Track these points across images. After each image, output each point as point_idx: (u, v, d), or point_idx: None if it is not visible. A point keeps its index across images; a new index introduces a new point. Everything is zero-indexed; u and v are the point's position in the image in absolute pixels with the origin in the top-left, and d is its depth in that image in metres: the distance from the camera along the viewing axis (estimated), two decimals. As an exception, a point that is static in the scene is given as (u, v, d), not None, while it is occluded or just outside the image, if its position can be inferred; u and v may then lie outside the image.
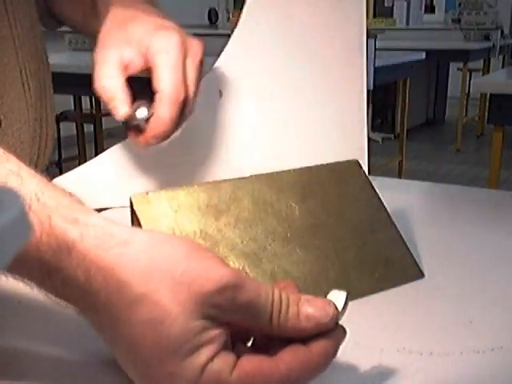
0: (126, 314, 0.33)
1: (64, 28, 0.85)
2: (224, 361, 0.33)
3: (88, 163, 0.67)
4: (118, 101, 0.53)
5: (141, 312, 0.32)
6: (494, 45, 4.90)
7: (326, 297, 0.37)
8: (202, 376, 0.32)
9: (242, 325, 0.35)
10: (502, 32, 5.01)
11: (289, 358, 0.34)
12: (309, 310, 0.35)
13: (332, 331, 0.36)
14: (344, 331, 0.36)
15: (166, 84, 0.53)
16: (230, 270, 0.34)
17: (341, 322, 0.36)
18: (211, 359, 0.33)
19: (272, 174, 0.56)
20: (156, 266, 0.33)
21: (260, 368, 0.33)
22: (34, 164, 0.72)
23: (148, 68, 0.55)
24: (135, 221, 0.49)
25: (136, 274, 0.33)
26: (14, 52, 0.67)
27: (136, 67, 0.55)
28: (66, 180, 0.63)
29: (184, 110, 0.56)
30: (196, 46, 0.57)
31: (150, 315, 0.32)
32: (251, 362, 0.34)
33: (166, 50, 0.53)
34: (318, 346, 0.35)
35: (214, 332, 0.33)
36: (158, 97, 0.53)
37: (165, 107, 0.53)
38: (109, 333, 0.34)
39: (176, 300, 0.32)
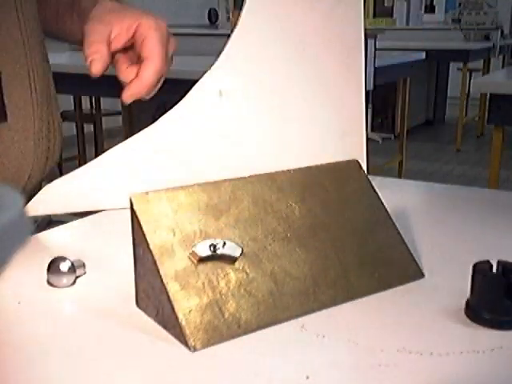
0: None
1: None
2: None
3: (88, 165, 0.68)
4: (97, 58, 0.61)
5: None
6: (494, 45, 4.90)
7: None
8: None
9: None
10: (502, 32, 5.01)
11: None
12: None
13: None
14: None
15: (156, 55, 0.62)
16: None
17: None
18: None
19: (272, 174, 0.56)
20: None
21: None
22: (44, 164, 0.76)
23: (133, 42, 0.65)
24: (135, 221, 0.49)
25: None
26: (23, 53, 0.71)
27: (120, 41, 0.65)
28: (66, 181, 0.63)
29: (157, 83, 0.65)
30: (175, 40, 0.67)
31: None
32: None
33: (156, 28, 0.64)
34: None
35: None
36: (146, 63, 0.62)
37: (149, 73, 0.62)
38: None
39: None
